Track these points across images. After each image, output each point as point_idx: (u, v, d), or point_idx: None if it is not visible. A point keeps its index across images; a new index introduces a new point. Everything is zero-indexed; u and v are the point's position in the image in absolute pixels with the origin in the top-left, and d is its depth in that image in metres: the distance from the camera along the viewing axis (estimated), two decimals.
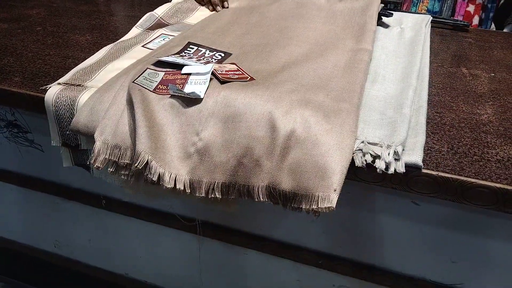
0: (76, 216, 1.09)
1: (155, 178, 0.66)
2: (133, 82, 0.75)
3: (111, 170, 0.72)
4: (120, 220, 1.02)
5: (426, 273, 0.81)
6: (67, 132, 0.79)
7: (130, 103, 0.72)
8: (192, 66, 0.78)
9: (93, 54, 0.93)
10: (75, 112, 0.76)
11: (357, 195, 0.76)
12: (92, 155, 0.71)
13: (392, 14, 1.08)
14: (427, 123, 0.74)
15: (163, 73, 0.77)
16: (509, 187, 0.61)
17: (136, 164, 0.66)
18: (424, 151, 0.67)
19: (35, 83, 0.84)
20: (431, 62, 0.96)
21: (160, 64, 0.80)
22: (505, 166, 0.65)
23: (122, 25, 1.14)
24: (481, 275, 0.78)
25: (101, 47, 0.96)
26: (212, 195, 0.69)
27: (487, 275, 0.78)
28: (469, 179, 0.62)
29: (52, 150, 0.95)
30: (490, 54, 1.03)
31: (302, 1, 1.13)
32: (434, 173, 0.63)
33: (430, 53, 0.99)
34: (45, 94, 0.78)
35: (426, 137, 0.70)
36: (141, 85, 0.74)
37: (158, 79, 0.76)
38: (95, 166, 0.71)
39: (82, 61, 0.90)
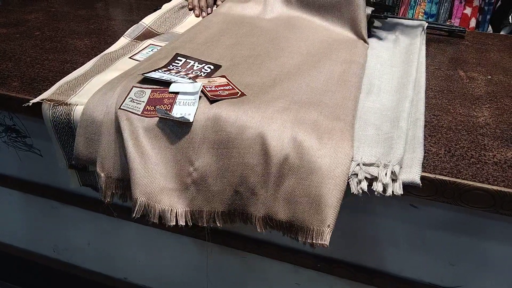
0: (75, 220, 1.09)
1: (156, 220, 0.68)
2: (120, 108, 0.71)
3: (121, 200, 0.75)
4: (119, 224, 1.02)
5: (425, 276, 0.82)
6: (72, 162, 0.79)
7: (121, 134, 0.70)
8: (180, 84, 0.74)
9: (91, 59, 0.93)
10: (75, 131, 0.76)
11: (355, 198, 0.76)
12: (100, 192, 0.73)
13: (386, 17, 1.06)
14: (424, 125, 0.74)
15: (150, 90, 0.74)
16: (506, 189, 0.61)
17: (134, 214, 0.67)
18: (423, 149, 0.67)
19: (34, 88, 0.84)
20: (428, 65, 0.96)
21: (146, 80, 0.77)
22: (502, 169, 0.65)
23: (120, 29, 1.14)
24: (480, 277, 0.78)
25: (100, 52, 0.97)
26: (213, 224, 0.70)
27: (485, 277, 0.78)
28: (466, 182, 0.63)
29: (51, 155, 0.95)
30: (487, 57, 1.04)
31: (294, 13, 1.10)
32: (431, 176, 0.64)
33: (427, 56, 1.00)
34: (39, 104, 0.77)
35: (424, 140, 0.70)
36: (128, 109, 0.71)
37: (145, 98, 0.73)
38: (105, 202, 0.73)
39: (81, 66, 0.90)
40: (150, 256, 1.07)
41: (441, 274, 0.80)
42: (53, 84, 0.83)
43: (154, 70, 0.80)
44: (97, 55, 0.94)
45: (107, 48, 0.99)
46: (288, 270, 0.92)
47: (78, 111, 0.75)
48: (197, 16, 1.17)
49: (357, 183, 0.62)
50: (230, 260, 0.97)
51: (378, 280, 0.84)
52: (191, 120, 0.68)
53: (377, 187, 0.61)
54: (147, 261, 1.08)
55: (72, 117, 0.75)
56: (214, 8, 1.19)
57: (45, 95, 0.79)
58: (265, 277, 0.97)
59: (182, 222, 0.69)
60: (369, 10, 1.05)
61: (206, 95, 0.72)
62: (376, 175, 0.62)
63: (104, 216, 1.01)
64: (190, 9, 1.19)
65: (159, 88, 0.75)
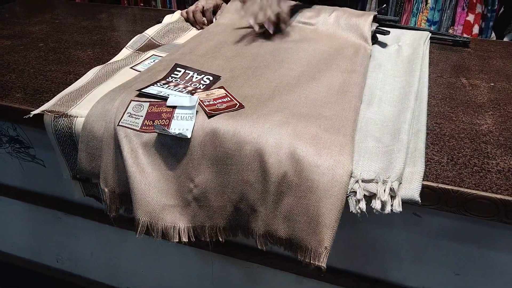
0: (78, 230, 1.09)
1: (159, 238, 0.69)
2: (118, 124, 0.71)
3: (126, 214, 0.75)
4: (123, 234, 1.02)
5: (429, 286, 0.81)
6: (78, 176, 0.80)
7: (121, 151, 0.70)
8: (177, 97, 0.74)
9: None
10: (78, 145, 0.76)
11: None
12: (105, 206, 0.74)
13: (389, 32, 1.05)
14: (427, 134, 0.73)
15: (148, 104, 0.74)
16: (510, 198, 0.61)
17: (138, 234, 0.68)
18: (424, 163, 0.66)
19: (37, 99, 0.85)
20: (430, 73, 0.95)
21: (144, 94, 0.77)
22: (506, 177, 0.65)
23: (123, 40, 1.15)
24: (485, 287, 0.77)
25: (103, 62, 0.97)
26: (215, 238, 0.71)
27: (490, 287, 0.77)
28: (469, 191, 0.62)
29: (54, 165, 0.95)
30: (490, 64, 1.03)
31: (294, 24, 1.10)
32: (434, 184, 0.63)
33: (430, 64, 0.99)
34: (42, 116, 0.78)
35: (426, 148, 0.70)
36: (127, 125, 0.71)
37: (143, 112, 0.73)
38: (111, 216, 0.74)
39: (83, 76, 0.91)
40: (153, 265, 1.07)
41: (445, 284, 0.79)
42: (56, 95, 0.83)
43: (153, 84, 0.80)
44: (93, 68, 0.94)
45: (110, 59, 1.00)
46: (291, 280, 0.91)
47: (79, 123, 0.75)
48: (198, 30, 1.18)
49: (355, 202, 0.61)
50: (234, 270, 0.96)
51: None
52: (188, 136, 0.68)
53: (376, 204, 0.61)
54: (150, 271, 1.08)
55: (73, 130, 0.75)
56: (214, 20, 1.20)
57: (46, 106, 0.79)
58: (269, 287, 0.96)
59: (185, 239, 0.70)
60: (374, 26, 1.05)
61: (204, 110, 0.72)
62: (375, 192, 0.61)
63: (108, 226, 1.01)
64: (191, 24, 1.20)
65: (157, 101, 0.75)
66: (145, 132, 0.70)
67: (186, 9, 1.21)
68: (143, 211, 0.68)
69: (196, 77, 0.84)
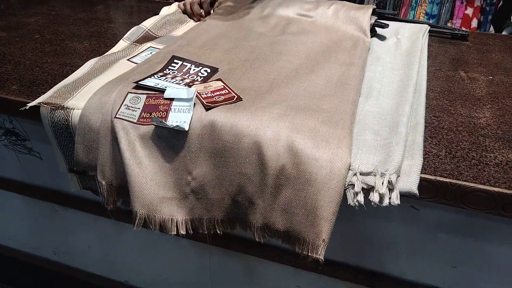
0: (75, 223, 1.08)
1: (157, 230, 0.68)
2: (115, 117, 0.71)
3: (124, 206, 0.75)
4: (120, 227, 1.02)
5: (427, 279, 0.81)
6: (74, 169, 0.79)
7: (118, 144, 0.70)
8: (174, 90, 0.73)
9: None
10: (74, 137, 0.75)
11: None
12: (102, 199, 0.74)
13: (387, 25, 1.04)
14: (425, 127, 0.73)
15: (145, 96, 0.73)
16: (507, 191, 0.61)
17: (135, 226, 0.68)
18: (422, 155, 0.66)
19: (33, 91, 0.84)
20: (429, 66, 0.95)
21: (141, 86, 0.76)
22: (504, 170, 0.65)
23: (120, 32, 1.14)
24: (482, 280, 0.77)
25: (99, 54, 0.96)
26: (213, 231, 0.71)
27: (488, 280, 0.77)
28: (467, 184, 0.62)
29: (51, 158, 0.95)
30: (488, 57, 1.03)
31: (292, 16, 1.09)
32: (432, 177, 0.63)
33: (428, 57, 0.99)
34: (38, 108, 0.77)
35: (424, 142, 0.69)
36: (124, 118, 0.70)
37: (141, 105, 0.72)
38: (109, 208, 0.74)
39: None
40: (151, 258, 1.07)
41: (443, 276, 0.79)
42: (52, 87, 0.82)
43: (150, 76, 0.79)
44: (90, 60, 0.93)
45: (107, 51, 0.99)
46: (289, 272, 0.91)
47: (76, 116, 0.74)
48: (196, 22, 1.17)
49: (353, 194, 0.61)
50: (231, 263, 0.96)
51: (379, 282, 0.84)
52: (186, 129, 0.67)
53: (374, 197, 0.60)
54: (148, 264, 1.08)
55: (70, 122, 0.75)
56: (212, 12, 1.19)
57: (42, 98, 0.78)
58: (266, 280, 0.96)
59: (183, 231, 0.69)
60: (373, 19, 1.04)
61: (201, 102, 0.71)
62: (373, 184, 0.61)
63: (105, 219, 1.01)
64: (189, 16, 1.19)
65: (154, 94, 0.74)
66: (142, 125, 0.69)
67: (183, 1, 1.20)
68: (140, 203, 0.68)
69: (194, 69, 0.83)
